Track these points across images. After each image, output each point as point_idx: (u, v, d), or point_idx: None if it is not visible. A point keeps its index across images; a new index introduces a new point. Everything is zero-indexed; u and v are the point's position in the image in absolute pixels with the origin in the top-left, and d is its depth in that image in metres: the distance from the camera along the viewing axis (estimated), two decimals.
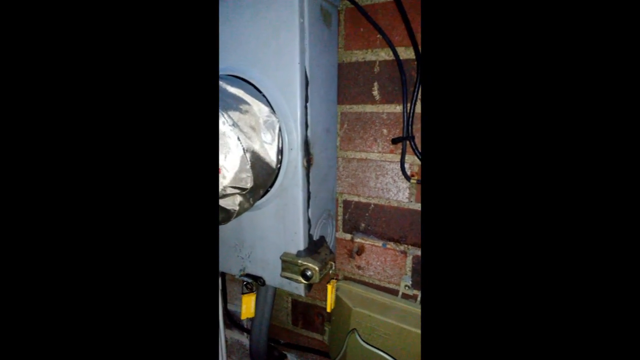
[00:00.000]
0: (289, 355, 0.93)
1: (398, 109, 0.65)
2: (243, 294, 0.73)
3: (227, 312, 1.00)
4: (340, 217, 0.76)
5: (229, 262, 0.72)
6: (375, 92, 0.66)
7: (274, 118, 0.55)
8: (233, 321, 1.00)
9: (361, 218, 0.74)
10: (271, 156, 0.54)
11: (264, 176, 0.53)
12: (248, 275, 0.71)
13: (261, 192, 0.57)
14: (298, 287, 0.65)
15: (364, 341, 0.63)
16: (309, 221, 0.63)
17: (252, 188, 0.51)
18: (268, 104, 0.56)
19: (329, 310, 0.68)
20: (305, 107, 0.57)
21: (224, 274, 0.96)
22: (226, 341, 1.04)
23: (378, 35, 0.64)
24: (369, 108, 0.67)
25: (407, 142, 0.64)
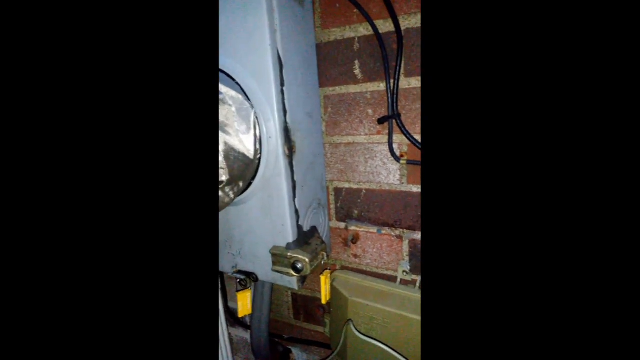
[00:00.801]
0: (293, 350, 0.92)
1: (382, 86, 0.61)
2: (237, 291, 0.71)
3: (228, 310, 0.98)
4: (332, 206, 0.73)
5: (222, 259, 0.70)
6: (357, 71, 0.63)
7: (247, 105, 0.52)
8: (236, 319, 0.99)
9: (354, 205, 0.71)
10: (247, 146, 0.52)
11: (240, 168, 0.51)
12: (241, 272, 0.69)
13: (241, 184, 0.54)
14: (291, 281, 0.62)
15: (359, 332, 0.61)
16: (296, 212, 0.60)
17: (228, 181, 0.49)
18: (242, 91, 0.53)
19: (323, 302, 0.66)
20: (282, 92, 0.54)
21: (221, 273, 0.95)
22: (231, 339, 1.03)
23: (355, 10, 0.60)
24: (352, 88, 0.64)
25: (394, 121, 0.61)
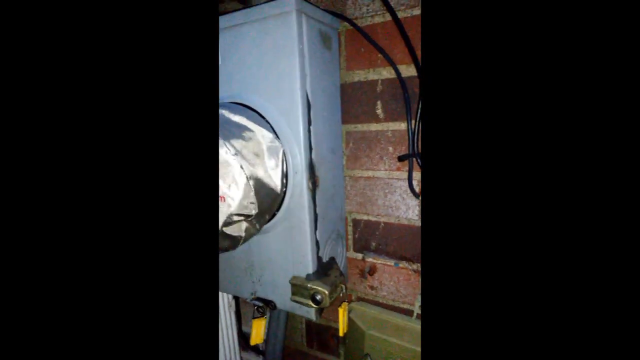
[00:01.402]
0: None
1: (403, 126, 0.64)
2: (254, 318, 0.72)
3: (241, 334, 0.99)
4: (350, 237, 0.75)
5: (241, 285, 0.72)
6: (379, 111, 0.66)
7: (277, 143, 0.56)
8: (248, 343, 1.00)
9: (372, 237, 0.72)
10: (275, 181, 0.55)
11: (268, 202, 0.54)
12: (259, 299, 0.70)
13: (267, 217, 0.57)
14: (309, 312, 0.64)
15: None
16: (317, 243, 0.62)
17: (257, 214, 0.52)
18: (271, 129, 0.57)
19: (341, 334, 0.66)
20: (309, 130, 0.58)
21: (238, 297, 0.96)
22: None
23: (379, 55, 0.64)
24: (374, 126, 0.67)
25: (414, 159, 0.63)
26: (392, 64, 0.62)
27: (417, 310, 0.68)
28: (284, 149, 0.56)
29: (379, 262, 0.72)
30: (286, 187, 0.58)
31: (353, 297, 0.77)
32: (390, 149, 0.66)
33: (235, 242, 0.54)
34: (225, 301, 0.92)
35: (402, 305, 0.71)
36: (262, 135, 0.55)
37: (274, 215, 0.61)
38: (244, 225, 0.53)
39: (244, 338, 1.00)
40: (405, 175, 0.65)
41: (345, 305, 0.67)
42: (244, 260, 0.70)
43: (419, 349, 0.60)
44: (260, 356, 0.99)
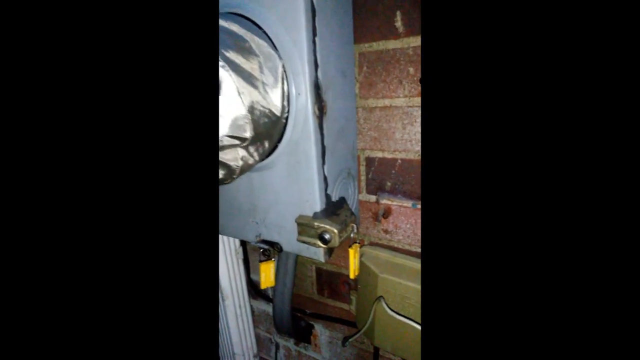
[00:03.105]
0: (316, 326, 0.90)
1: None
2: (261, 261, 0.68)
3: (250, 282, 0.97)
4: (363, 177, 0.68)
5: (244, 228, 0.67)
6: (399, 23, 0.55)
7: (275, 56, 0.47)
8: (258, 291, 0.98)
9: (387, 176, 0.65)
10: (274, 101, 0.47)
11: (266, 125, 0.46)
12: (264, 242, 0.66)
13: (266, 145, 0.50)
14: (317, 252, 0.59)
15: (391, 309, 0.57)
16: (325, 179, 0.56)
17: (253, 138, 0.44)
18: (269, 40, 0.48)
19: (352, 277, 0.61)
20: (314, 42, 0.48)
21: (245, 243, 0.93)
22: (252, 311, 1.03)
23: None
24: (392, 44, 0.57)
25: None
26: None
27: None
28: (283, 63, 0.48)
29: (395, 203, 0.65)
30: (288, 111, 0.50)
31: (366, 242, 0.71)
32: (411, 69, 0.56)
33: (230, 172, 0.47)
34: (232, 248, 0.89)
35: (419, 250, 0.65)
36: (257, 45, 0.46)
37: (275, 146, 0.54)
38: (240, 152, 0.46)
39: (252, 286, 0.98)
40: None
41: (356, 246, 0.61)
42: (246, 201, 0.64)
43: None
44: (271, 303, 0.98)
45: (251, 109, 0.42)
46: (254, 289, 0.99)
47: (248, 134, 0.43)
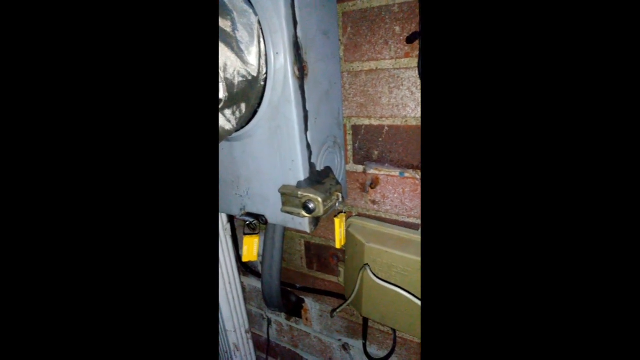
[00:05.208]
0: (306, 300, 0.89)
1: None
2: (245, 234, 0.67)
3: (240, 259, 0.96)
4: (350, 147, 0.66)
5: (229, 201, 0.65)
6: None
7: (250, 12, 0.44)
8: (247, 267, 0.97)
9: (374, 145, 0.63)
10: (250, 60, 0.44)
11: (242, 85, 0.43)
12: (249, 215, 0.64)
13: (244, 108, 0.47)
14: (302, 223, 0.57)
15: (376, 277, 0.56)
16: (308, 146, 0.53)
17: (228, 100, 0.42)
18: None
19: (337, 246, 0.60)
20: None
21: (233, 219, 0.91)
22: (243, 288, 1.03)
23: None
24: (377, 1, 0.53)
25: None
26: None
27: None
28: (259, 19, 0.45)
29: (382, 173, 0.64)
30: (267, 72, 0.47)
31: (353, 214, 0.70)
32: (397, 28, 0.53)
33: None
34: (220, 224, 0.87)
35: (407, 220, 0.64)
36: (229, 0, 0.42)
37: (255, 112, 0.51)
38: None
39: (242, 263, 0.97)
40: (414, 62, 0.53)
41: (342, 215, 0.60)
42: (229, 173, 0.62)
43: None
44: (261, 280, 0.97)
45: (224, 67, 0.39)
46: (243, 266, 0.98)
47: (221, 95, 0.40)
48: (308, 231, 0.57)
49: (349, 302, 0.62)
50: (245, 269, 0.98)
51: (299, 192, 0.53)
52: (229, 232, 0.91)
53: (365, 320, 0.74)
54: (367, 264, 0.58)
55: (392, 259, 0.56)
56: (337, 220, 0.59)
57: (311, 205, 0.52)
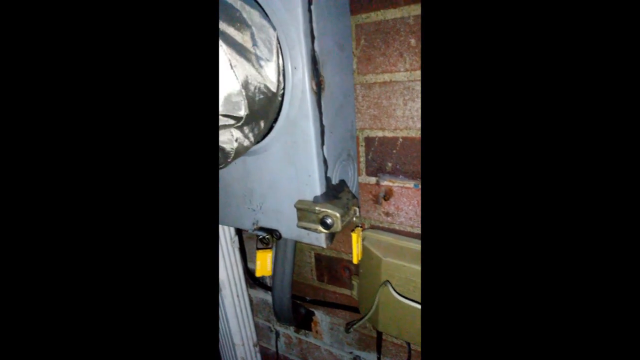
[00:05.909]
0: (316, 313, 0.88)
1: None
2: (258, 249, 0.65)
3: (247, 271, 0.95)
4: (362, 158, 0.65)
5: (241, 215, 0.64)
6: None
7: (269, 27, 0.43)
8: (255, 280, 0.96)
9: (387, 156, 0.62)
10: (269, 76, 0.43)
11: (262, 102, 0.42)
12: (262, 229, 0.63)
13: (262, 125, 0.46)
14: (318, 238, 0.56)
15: (398, 294, 0.55)
16: (325, 161, 0.53)
17: (248, 117, 0.41)
18: (261, 9, 0.44)
19: (355, 261, 0.59)
20: (309, 11, 0.44)
21: (240, 231, 0.90)
22: (250, 300, 1.01)
23: None
24: (391, 13, 0.53)
25: None
26: None
27: None
28: (277, 34, 0.44)
29: (396, 184, 0.63)
30: (284, 87, 0.47)
31: (366, 226, 0.69)
32: (412, 41, 0.53)
33: (224, 155, 0.44)
34: (227, 237, 0.86)
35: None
36: (249, 15, 0.42)
37: (271, 127, 0.50)
38: (235, 133, 0.43)
39: (250, 275, 0.96)
40: None
41: (359, 230, 0.59)
42: (242, 187, 0.61)
43: None
44: (269, 292, 0.95)
45: (245, 84, 0.39)
46: (251, 278, 0.96)
47: (243, 112, 0.39)
48: (324, 246, 0.56)
49: (367, 317, 0.61)
50: (253, 280, 0.97)
51: (316, 208, 0.52)
52: (236, 245, 0.90)
53: (380, 333, 0.73)
54: (387, 280, 0.57)
55: (409, 273, 0.56)
56: (354, 235, 0.58)
57: (329, 221, 0.52)
